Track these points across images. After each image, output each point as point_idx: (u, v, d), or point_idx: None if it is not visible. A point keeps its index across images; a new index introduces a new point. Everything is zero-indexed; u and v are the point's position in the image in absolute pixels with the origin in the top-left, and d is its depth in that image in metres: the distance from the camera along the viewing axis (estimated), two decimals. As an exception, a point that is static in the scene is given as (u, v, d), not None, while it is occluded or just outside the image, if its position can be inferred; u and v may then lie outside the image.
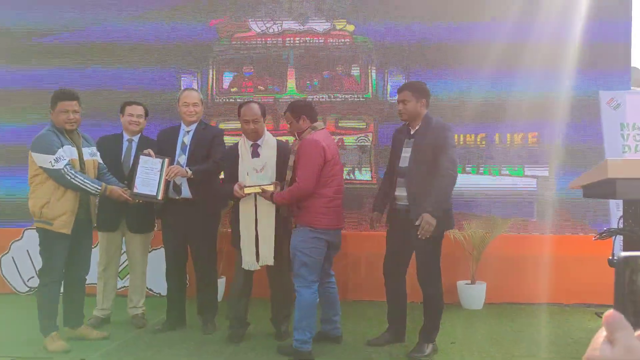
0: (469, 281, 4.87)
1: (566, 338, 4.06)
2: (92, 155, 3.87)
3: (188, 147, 4.08)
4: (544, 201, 5.10)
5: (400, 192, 3.56)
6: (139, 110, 4.33)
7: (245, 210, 3.70)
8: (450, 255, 4.62)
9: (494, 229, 4.80)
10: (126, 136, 4.34)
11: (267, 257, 3.68)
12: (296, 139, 3.72)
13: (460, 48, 5.11)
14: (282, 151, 3.84)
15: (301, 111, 3.66)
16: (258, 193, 3.63)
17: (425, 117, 3.57)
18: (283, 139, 4.49)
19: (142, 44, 5.45)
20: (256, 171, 3.67)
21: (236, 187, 3.62)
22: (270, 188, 3.63)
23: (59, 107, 3.70)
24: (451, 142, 3.50)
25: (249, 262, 3.69)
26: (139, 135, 4.35)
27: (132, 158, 4.22)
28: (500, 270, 4.88)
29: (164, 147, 4.13)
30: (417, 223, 3.37)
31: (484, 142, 5.18)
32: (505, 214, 5.05)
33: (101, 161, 3.97)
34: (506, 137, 5.14)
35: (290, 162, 3.64)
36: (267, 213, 3.74)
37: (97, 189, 3.70)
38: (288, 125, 3.74)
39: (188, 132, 4.14)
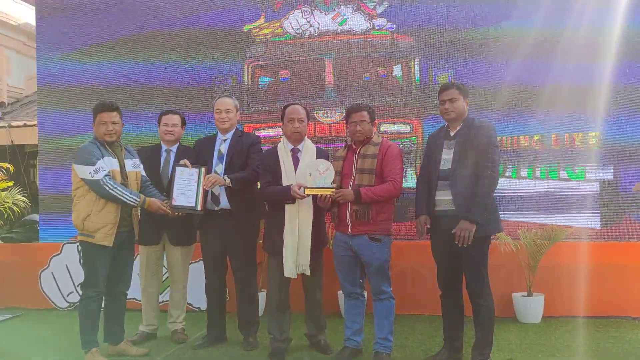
0: (525, 293, 4.76)
1: (637, 354, 3.87)
2: (134, 167, 3.92)
3: (225, 156, 4.08)
4: (608, 206, 4.95)
5: (444, 196, 3.48)
6: (175, 119, 4.35)
7: (291, 214, 3.68)
8: (504, 266, 4.65)
9: (552, 237, 4.67)
10: (164, 147, 4.36)
11: (304, 265, 3.67)
12: (348, 143, 3.75)
13: (510, 41, 5.09)
14: (321, 155, 3.83)
15: (375, 116, 3.76)
16: (321, 195, 3.59)
17: (467, 118, 3.56)
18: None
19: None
20: (319, 172, 3.61)
21: (295, 187, 3.58)
22: (332, 192, 3.58)
23: (98, 119, 3.78)
24: (494, 142, 3.46)
25: (291, 268, 3.67)
26: (176, 145, 4.38)
27: (170, 169, 4.23)
28: (559, 281, 4.76)
29: (200, 157, 4.14)
30: (453, 231, 3.35)
31: (538, 144, 5.08)
32: (564, 220, 4.92)
33: (144, 173, 4.02)
34: (564, 137, 5.03)
35: (366, 165, 3.60)
36: (307, 220, 3.72)
37: (136, 200, 3.75)
38: (355, 126, 3.67)
39: (224, 140, 4.15)
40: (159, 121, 4.39)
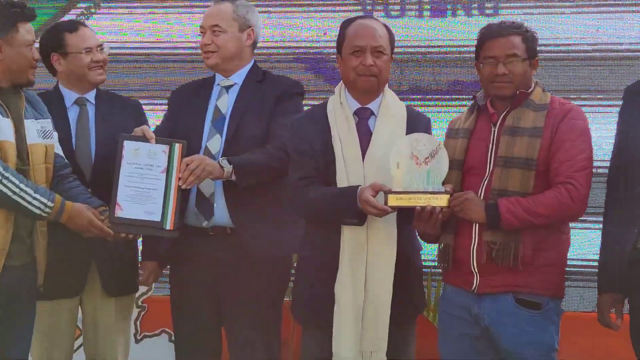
0: None
1: None
2: (44, 135, 2.90)
3: (228, 119, 2.84)
4: None
5: None
6: (95, 37, 3.16)
7: (353, 246, 2.65)
8: None
9: None
10: (73, 94, 3.03)
11: (378, 347, 2.68)
12: (479, 103, 2.74)
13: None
14: (417, 127, 2.72)
15: (536, 49, 2.78)
16: (422, 209, 2.62)
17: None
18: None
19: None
20: (418, 162, 2.59)
21: (367, 192, 2.58)
22: (444, 202, 2.53)
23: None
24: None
25: (348, 350, 2.68)
26: (94, 90, 3.13)
27: (91, 138, 3.01)
28: None
29: (180, 120, 2.95)
30: None
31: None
32: None
33: (60, 151, 2.92)
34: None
35: (517, 149, 2.64)
36: (386, 257, 2.65)
37: (46, 206, 2.72)
38: (496, 66, 2.68)
39: (228, 88, 2.87)
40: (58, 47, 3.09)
